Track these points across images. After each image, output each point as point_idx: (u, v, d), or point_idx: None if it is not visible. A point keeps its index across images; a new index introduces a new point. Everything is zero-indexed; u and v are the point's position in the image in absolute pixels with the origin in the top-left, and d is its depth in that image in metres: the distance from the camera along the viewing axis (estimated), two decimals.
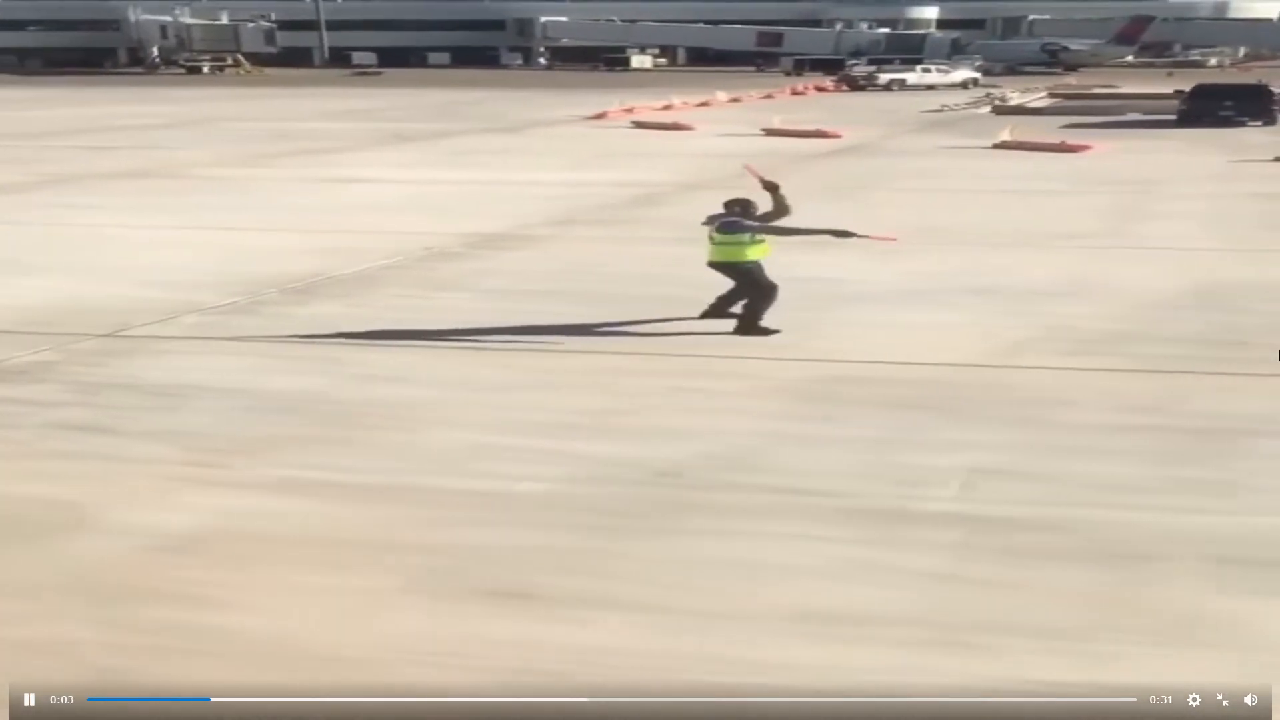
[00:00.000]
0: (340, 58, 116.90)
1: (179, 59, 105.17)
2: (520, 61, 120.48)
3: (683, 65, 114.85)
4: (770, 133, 35.45)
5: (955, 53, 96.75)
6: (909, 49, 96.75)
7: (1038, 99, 54.32)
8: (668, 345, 10.63)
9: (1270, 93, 36.59)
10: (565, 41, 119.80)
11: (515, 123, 41.87)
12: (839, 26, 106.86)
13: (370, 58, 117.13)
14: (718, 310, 11.09)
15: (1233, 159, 27.25)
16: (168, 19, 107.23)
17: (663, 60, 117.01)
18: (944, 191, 22.48)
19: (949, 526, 6.62)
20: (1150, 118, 38.41)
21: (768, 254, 10.85)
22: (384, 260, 14.91)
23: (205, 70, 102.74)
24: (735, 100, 54.03)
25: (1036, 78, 77.19)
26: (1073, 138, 31.25)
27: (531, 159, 28.99)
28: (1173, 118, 36.86)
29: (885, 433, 8.25)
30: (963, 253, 15.38)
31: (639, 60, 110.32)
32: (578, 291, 12.94)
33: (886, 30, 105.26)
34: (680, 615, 5.61)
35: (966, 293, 12.81)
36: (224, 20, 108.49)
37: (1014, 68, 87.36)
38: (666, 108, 47.73)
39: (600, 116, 43.20)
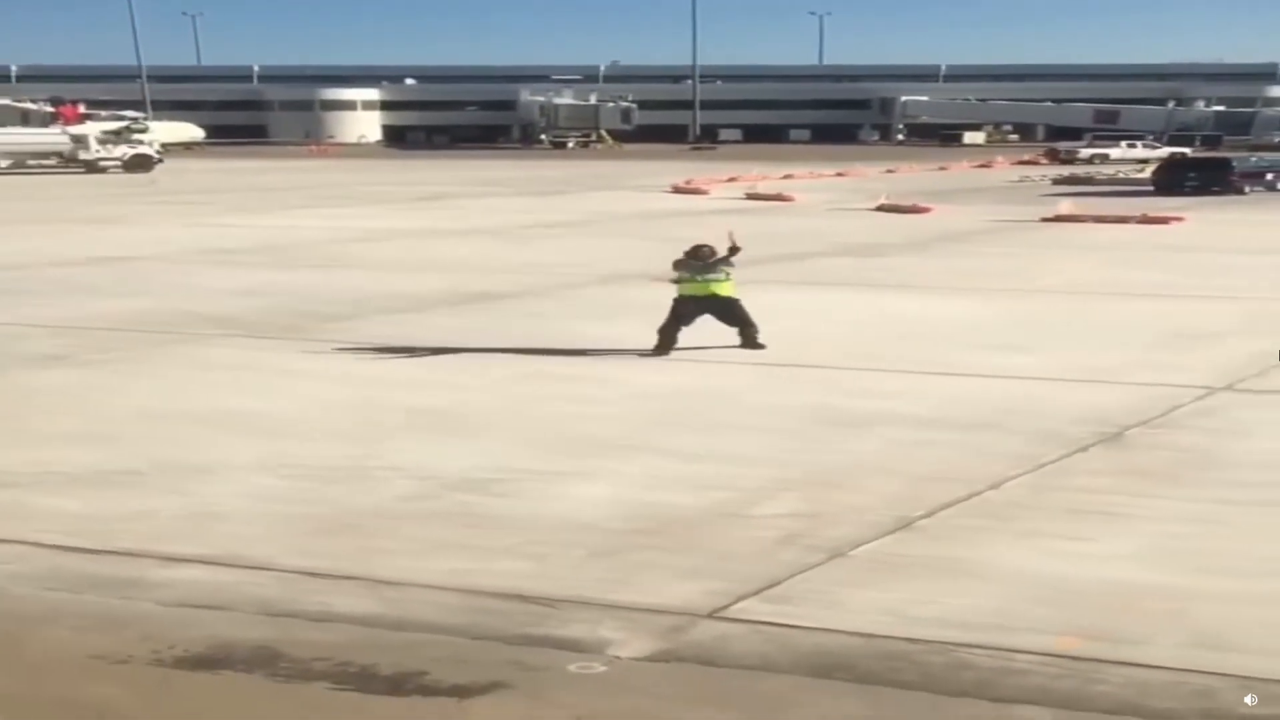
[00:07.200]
0: (710, 134, 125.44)
1: (549, 135, 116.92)
2: (876, 138, 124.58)
3: (1039, 140, 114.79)
4: (750, 196, 39.38)
5: None
6: (1238, 126, 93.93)
7: None
8: None
9: (1231, 165, 36.83)
10: (924, 119, 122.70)
11: (589, 188, 47.49)
12: (1171, 104, 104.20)
13: (736, 134, 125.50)
14: (667, 343, 12.99)
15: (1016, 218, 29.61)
16: (544, 99, 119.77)
17: (1015, 136, 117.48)
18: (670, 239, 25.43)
19: None
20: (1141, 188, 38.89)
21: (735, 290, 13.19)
22: None
23: (570, 145, 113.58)
24: (890, 171, 56.66)
25: None
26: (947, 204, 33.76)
27: (459, 214, 34.60)
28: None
29: None
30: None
31: (971, 136, 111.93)
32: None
33: (1217, 109, 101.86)
34: None
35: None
36: (591, 101, 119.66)
37: None
38: (786, 177, 51.18)
39: (678, 186, 46.79)
